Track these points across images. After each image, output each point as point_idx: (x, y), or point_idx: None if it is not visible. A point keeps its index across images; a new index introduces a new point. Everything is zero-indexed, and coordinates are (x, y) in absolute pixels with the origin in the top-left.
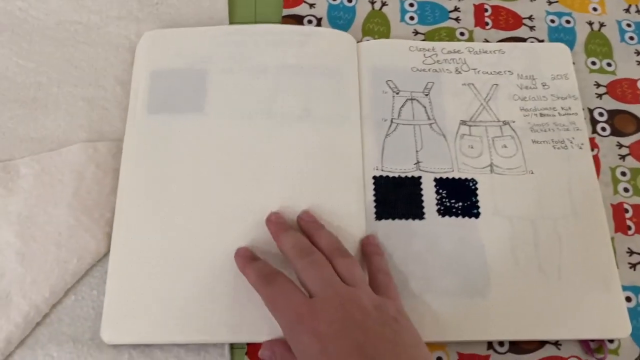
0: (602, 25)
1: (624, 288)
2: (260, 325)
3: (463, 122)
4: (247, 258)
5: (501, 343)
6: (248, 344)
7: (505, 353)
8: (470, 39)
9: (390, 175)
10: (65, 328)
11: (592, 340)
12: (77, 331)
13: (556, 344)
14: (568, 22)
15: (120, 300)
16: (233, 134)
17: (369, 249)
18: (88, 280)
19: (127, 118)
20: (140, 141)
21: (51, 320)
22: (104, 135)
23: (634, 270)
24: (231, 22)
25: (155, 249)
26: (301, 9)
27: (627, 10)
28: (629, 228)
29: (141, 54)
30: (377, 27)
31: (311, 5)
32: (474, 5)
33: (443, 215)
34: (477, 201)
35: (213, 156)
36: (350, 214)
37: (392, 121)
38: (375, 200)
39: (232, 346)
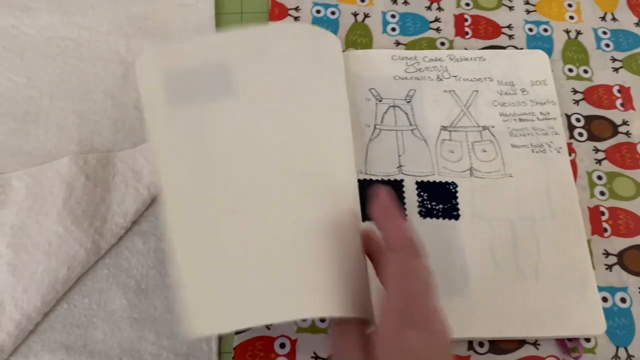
0: (578, 33)
1: (600, 289)
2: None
3: (444, 128)
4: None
5: (481, 344)
6: (235, 348)
7: (485, 353)
8: (451, 48)
9: (374, 178)
10: (58, 336)
11: (570, 340)
12: (70, 339)
13: (535, 343)
14: (546, 30)
15: (198, 293)
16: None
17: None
18: (79, 289)
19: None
20: (172, 137)
21: (44, 329)
22: (94, 147)
23: (610, 271)
24: None
25: (220, 235)
26: (286, 22)
27: (603, 19)
28: (605, 230)
29: (146, 66)
30: (360, 38)
31: (296, 18)
32: (454, 15)
33: (424, 217)
34: (457, 203)
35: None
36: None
37: (375, 127)
38: (360, 203)
39: (220, 351)
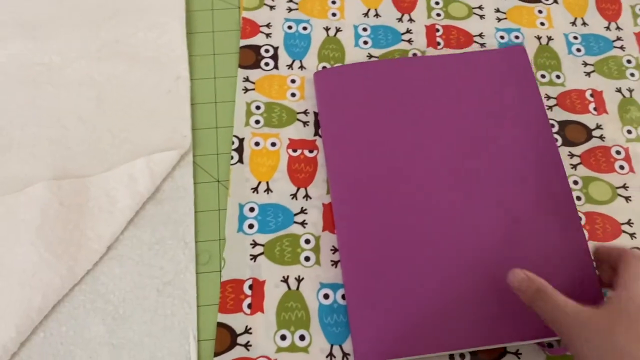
0: (549, 39)
1: None
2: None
3: None
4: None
5: (462, 355)
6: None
7: None
8: None
9: None
10: None
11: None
12: None
13: (516, 353)
14: (517, 37)
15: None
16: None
17: None
18: (56, 316)
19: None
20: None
21: (20, 359)
22: (68, 173)
23: None
24: (190, 56)
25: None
26: (258, 39)
27: (574, 24)
28: None
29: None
30: (332, 52)
31: (267, 35)
32: (426, 26)
33: None
34: None
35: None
36: None
37: None
38: None
39: None
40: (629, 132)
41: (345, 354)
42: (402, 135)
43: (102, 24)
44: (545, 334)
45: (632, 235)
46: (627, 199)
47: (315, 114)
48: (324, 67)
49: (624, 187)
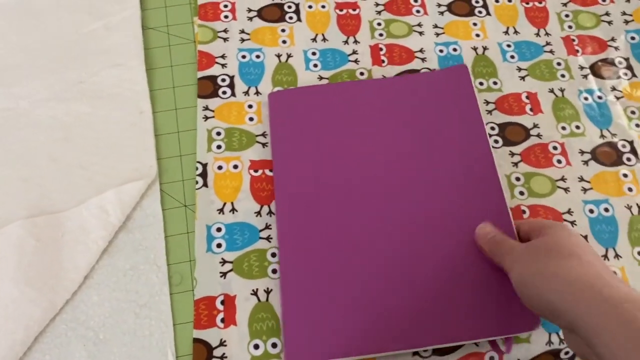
0: (485, 48)
1: None
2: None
3: None
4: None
5: (425, 350)
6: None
7: (429, 357)
8: (370, 77)
9: None
10: None
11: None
12: None
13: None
14: (455, 50)
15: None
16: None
17: None
18: (39, 347)
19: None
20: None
21: None
22: (43, 209)
23: None
24: (151, 91)
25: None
26: (214, 70)
27: (506, 33)
28: None
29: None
30: (285, 77)
31: (223, 65)
32: (370, 46)
33: None
34: None
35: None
36: None
37: None
38: None
39: None
40: (564, 128)
41: None
42: (346, 153)
43: (66, 67)
44: (480, 334)
45: (572, 222)
46: (566, 190)
47: None
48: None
49: (562, 179)
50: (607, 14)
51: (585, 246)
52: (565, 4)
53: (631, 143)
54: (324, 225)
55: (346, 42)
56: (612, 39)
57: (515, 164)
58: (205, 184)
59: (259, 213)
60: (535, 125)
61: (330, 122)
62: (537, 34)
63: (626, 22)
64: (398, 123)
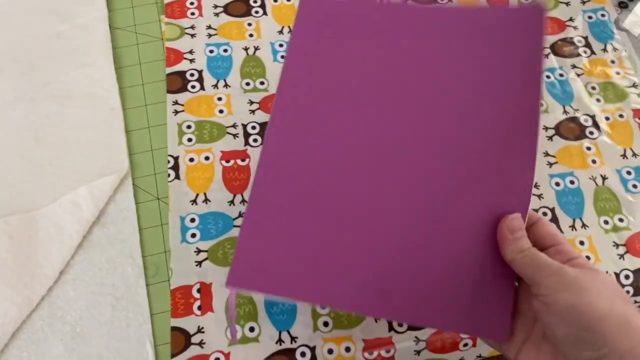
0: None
1: None
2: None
3: None
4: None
5: (400, 323)
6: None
7: (404, 332)
8: None
9: None
10: None
11: None
12: None
13: None
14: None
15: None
16: None
17: None
18: (16, 344)
19: None
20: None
21: None
22: (15, 208)
23: None
24: (121, 88)
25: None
26: (183, 65)
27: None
28: None
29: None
30: (253, 69)
31: (191, 61)
32: None
33: None
34: None
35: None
36: None
37: None
38: None
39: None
40: None
41: (292, 338)
42: (368, 76)
43: (34, 68)
44: (449, 324)
45: (539, 196)
46: None
47: (244, 126)
48: (247, 83)
49: None
50: None
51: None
52: None
53: (593, 117)
54: (319, 146)
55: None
56: (571, 19)
57: None
58: (177, 177)
59: (232, 202)
60: None
61: (364, 40)
62: None
63: (583, 2)
64: (440, 57)
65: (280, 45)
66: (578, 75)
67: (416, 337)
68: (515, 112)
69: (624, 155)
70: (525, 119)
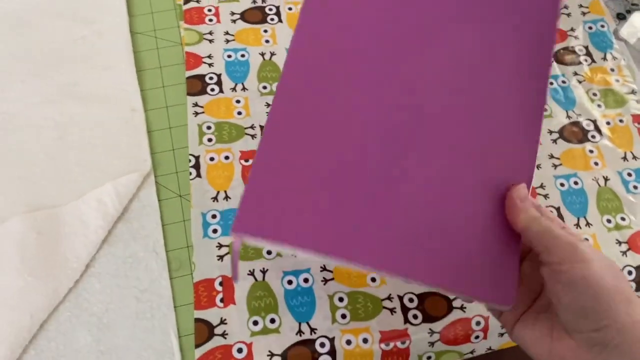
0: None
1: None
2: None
3: None
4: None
5: (415, 316)
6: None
7: (419, 324)
8: None
9: None
10: None
11: None
12: None
13: (461, 307)
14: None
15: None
16: None
17: None
18: (45, 334)
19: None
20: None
21: None
22: (41, 205)
23: None
24: (142, 90)
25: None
26: (202, 69)
27: None
28: None
29: None
30: (270, 73)
31: (210, 65)
32: None
33: None
34: None
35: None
36: None
37: None
38: None
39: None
40: None
41: (312, 329)
42: (390, 35)
43: (57, 72)
44: (458, 285)
45: (545, 196)
46: (538, 166)
47: (261, 127)
48: (264, 87)
49: None
50: (565, 7)
51: None
52: None
53: (594, 122)
54: (333, 96)
55: None
56: (572, 29)
57: None
58: (198, 175)
59: None
60: None
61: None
62: None
63: (583, 13)
64: (454, 24)
65: None
66: (580, 82)
67: (430, 329)
68: (525, 82)
69: (625, 158)
70: (534, 89)
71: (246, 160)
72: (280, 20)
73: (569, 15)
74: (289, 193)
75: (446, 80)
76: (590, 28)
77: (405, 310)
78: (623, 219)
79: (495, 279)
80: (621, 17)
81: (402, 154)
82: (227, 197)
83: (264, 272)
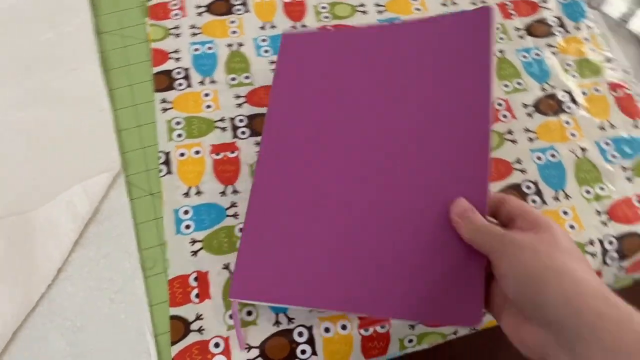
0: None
1: None
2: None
3: None
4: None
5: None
6: (173, 358)
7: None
8: None
9: None
10: None
11: None
12: None
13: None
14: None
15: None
16: None
17: None
18: (18, 343)
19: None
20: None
21: None
22: (11, 210)
23: None
24: (110, 90)
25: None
26: (169, 64)
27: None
28: None
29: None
30: (238, 64)
31: (177, 59)
32: (318, 28)
33: None
34: None
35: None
36: None
37: None
38: None
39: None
40: (506, 85)
41: (290, 319)
42: (344, 100)
43: (23, 75)
44: (422, 316)
45: (522, 171)
46: (513, 141)
47: (231, 119)
48: (232, 78)
49: (509, 132)
50: None
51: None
52: None
53: (570, 93)
54: (304, 168)
55: (294, 26)
56: (544, 1)
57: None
58: (169, 171)
59: (223, 193)
60: None
61: (336, 68)
62: (473, 2)
63: None
64: (405, 71)
65: (263, 40)
66: (554, 53)
67: None
68: (469, 111)
69: (602, 127)
70: (478, 116)
71: (217, 154)
72: (247, 10)
73: None
74: (271, 262)
75: (397, 125)
76: None
77: None
78: (602, 188)
79: (461, 302)
80: None
81: (360, 206)
82: (198, 192)
83: None
